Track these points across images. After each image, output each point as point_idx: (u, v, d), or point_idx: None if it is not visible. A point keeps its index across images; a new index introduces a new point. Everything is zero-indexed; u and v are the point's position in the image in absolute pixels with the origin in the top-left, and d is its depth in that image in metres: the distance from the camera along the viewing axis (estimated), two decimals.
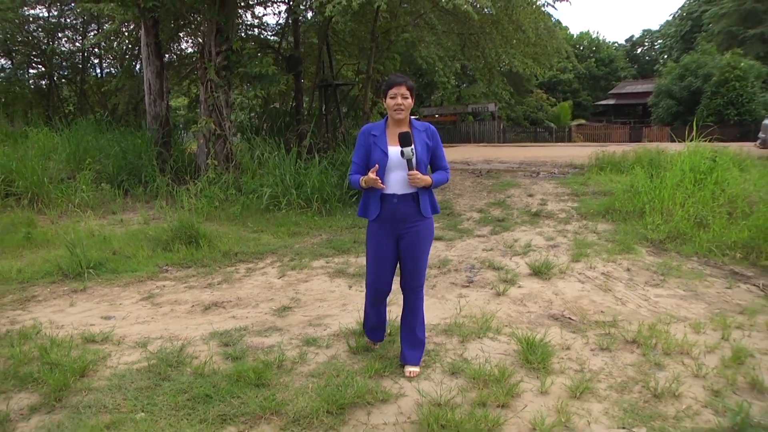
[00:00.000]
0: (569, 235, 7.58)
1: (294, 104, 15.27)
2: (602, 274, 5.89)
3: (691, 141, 9.54)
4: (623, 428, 2.97)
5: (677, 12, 54.90)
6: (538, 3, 13.66)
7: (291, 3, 14.42)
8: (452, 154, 17.18)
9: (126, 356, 4.02)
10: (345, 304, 5.18)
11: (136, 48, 17.41)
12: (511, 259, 6.56)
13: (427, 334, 3.94)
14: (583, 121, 44.91)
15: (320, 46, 14.83)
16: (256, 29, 17.30)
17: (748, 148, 13.44)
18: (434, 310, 4.83)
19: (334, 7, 9.16)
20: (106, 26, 17.72)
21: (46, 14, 19.47)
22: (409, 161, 3.37)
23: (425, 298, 3.97)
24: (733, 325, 4.36)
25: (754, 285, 5.46)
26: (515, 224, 8.42)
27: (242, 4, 14.69)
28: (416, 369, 3.66)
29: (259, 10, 18.07)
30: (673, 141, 15.14)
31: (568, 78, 48.74)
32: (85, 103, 20.25)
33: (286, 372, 3.70)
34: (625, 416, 3.09)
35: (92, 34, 19.60)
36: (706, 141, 9.60)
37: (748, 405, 3.00)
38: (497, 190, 11.46)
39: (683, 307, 4.90)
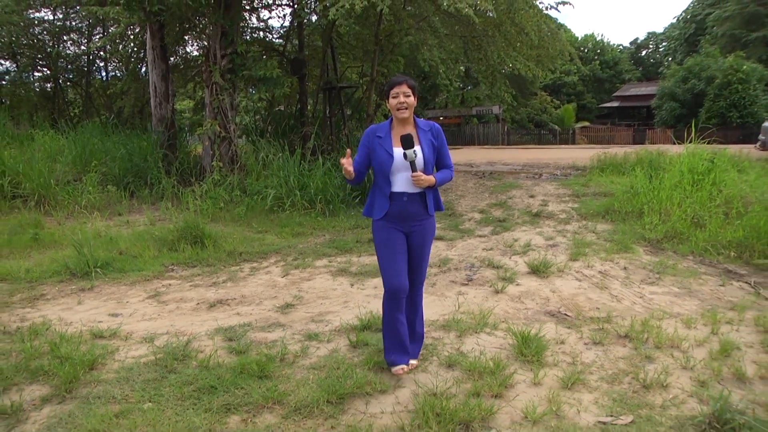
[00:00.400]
0: (568, 235, 7.69)
1: (298, 107, 15.40)
2: (599, 272, 6.00)
3: (690, 143, 9.64)
4: (611, 416, 3.09)
5: (681, 15, 54.94)
6: (540, 6, 13.76)
7: (295, 6, 14.56)
8: (456, 156, 17.27)
9: (133, 351, 4.16)
10: (347, 302, 5.30)
11: (142, 51, 17.57)
12: (510, 258, 6.68)
13: (425, 329, 4.05)
14: (587, 124, 44.99)
15: (324, 48, 14.96)
16: (260, 32, 17.47)
17: (748, 150, 13.52)
18: (433, 307, 4.95)
19: (337, 10, 9.30)
20: (112, 29, 17.86)
21: (51, 17, 19.65)
22: (412, 163, 3.40)
23: (425, 295, 4.08)
24: (722, 321, 4.49)
25: (746, 282, 5.59)
26: (516, 224, 8.54)
27: (247, 7, 14.83)
28: (414, 362, 3.76)
29: (263, 13, 18.21)
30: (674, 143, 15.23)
31: (572, 80, 48.81)
32: (90, 106, 20.42)
33: (288, 365, 3.83)
34: (614, 405, 3.21)
35: (98, 37, 19.75)
36: (705, 143, 9.70)
37: (728, 393, 3.12)
38: (499, 191, 11.57)
39: (677, 303, 5.02)
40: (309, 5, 14.81)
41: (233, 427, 3.08)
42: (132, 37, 17.86)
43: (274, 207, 9.54)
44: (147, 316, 5.02)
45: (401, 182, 3.52)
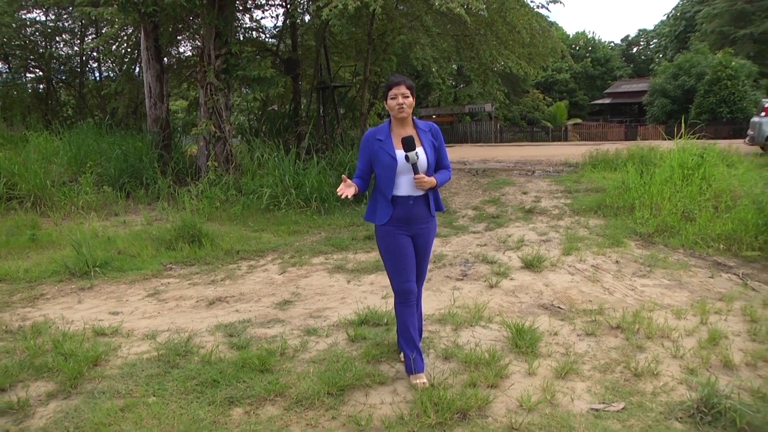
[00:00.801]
0: (561, 230, 7.80)
1: (292, 106, 15.48)
2: (592, 266, 6.11)
3: (680, 138, 9.77)
4: (603, 403, 3.20)
5: (671, 12, 55.27)
6: (531, 4, 13.87)
7: (288, 6, 14.63)
8: (449, 154, 17.20)
9: (135, 347, 4.23)
10: (344, 298, 5.39)
11: (135, 51, 17.58)
12: (504, 253, 6.78)
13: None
14: (579, 121, 45.28)
15: (318, 48, 15.04)
16: (253, 32, 17.51)
17: (737, 144, 13.69)
18: (429, 302, 5.04)
19: (330, 10, 9.37)
20: (105, 30, 17.85)
21: (43, 18, 19.59)
22: (414, 165, 3.36)
23: None
24: (711, 311, 4.61)
25: (735, 274, 5.73)
26: (509, 221, 8.64)
27: (240, 7, 14.88)
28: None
29: (256, 13, 18.26)
30: (665, 139, 15.38)
31: (564, 78, 49.10)
32: (84, 107, 20.40)
33: (288, 359, 3.92)
34: (606, 393, 3.32)
35: (91, 38, 19.74)
36: (695, 138, 9.83)
37: (715, 379, 3.22)
38: (492, 188, 11.67)
39: (667, 295, 5.14)
40: (302, 5, 14.89)
41: (237, 419, 3.17)
42: (125, 37, 17.86)
43: (270, 206, 9.62)
44: (147, 313, 5.09)
45: (405, 185, 3.47)
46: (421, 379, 3.49)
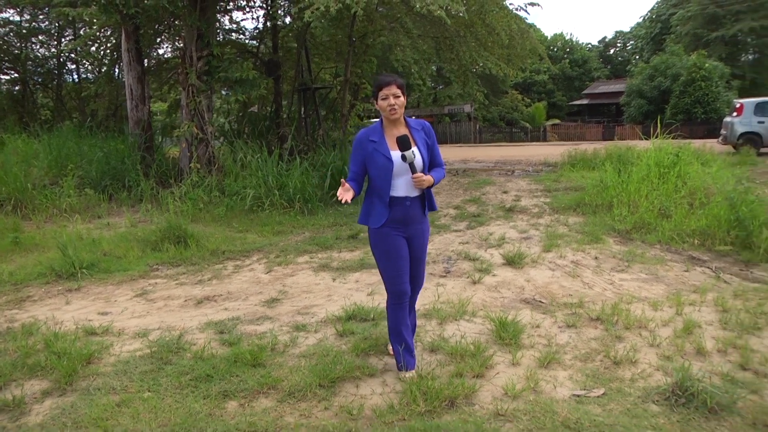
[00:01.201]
0: (541, 228, 7.98)
1: (273, 108, 15.52)
2: (572, 262, 6.28)
3: (656, 138, 10.01)
4: (584, 389, 3.35)
5: (647, 14, 56.20)
6: (510, 7, 14.09)
7: (270, 9, 14.68)
8: None
9: (128, 345, 4.30)
10: (330, 295, 5.49)
11: (115, 53, 17.48)
12: (486, 251, 6.93)
13: None
14: (557, 121, 45.78)
15: (299, 50, 15.10)
16: (233, 34, 17.52)
17: (711, 144, 14.04)
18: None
19: (312, 12, 9.46)
20: (83, 31, 17.73)
21: (17, 18, 19.33)
22: (411, 164, 3.32)
23: None
24: (686, 303, 4.80)
25: (708, 268, 5.98)
26: (490, 219, 8.81)
27: (220, 9, 14.90)
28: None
29: (236, 15, 18.26)
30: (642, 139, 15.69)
31: (542, 79, 49.60)
32: (62, 109, 20.22)
33: (279, 354, 4.02)
34: (587, 380, 3.48)
35: (68, 38, 19.57)
36: (671, 138, 10.08)
37: (689, 365, 3.40)
38: (473, 188, 11.85)
39: (644, 288, 5.33)
40: (283, 7, 14.95)
41: (232, 412, 3.26)
42: (103, 39, 17.75)
43: (254, 207, 9.67)
44: (136, 313, 5.15)
45: (402, 186, 3.42)
46: (412, 376, 3.53)
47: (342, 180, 3.37)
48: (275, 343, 4.17)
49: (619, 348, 3.89)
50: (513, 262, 6.24)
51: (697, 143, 12.73)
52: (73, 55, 20.03)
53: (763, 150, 16.71)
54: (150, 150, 12.44)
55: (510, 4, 14.10)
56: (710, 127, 30.23)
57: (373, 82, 3.56)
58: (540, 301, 5.03)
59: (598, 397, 3.27)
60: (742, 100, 18.51)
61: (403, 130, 3.47)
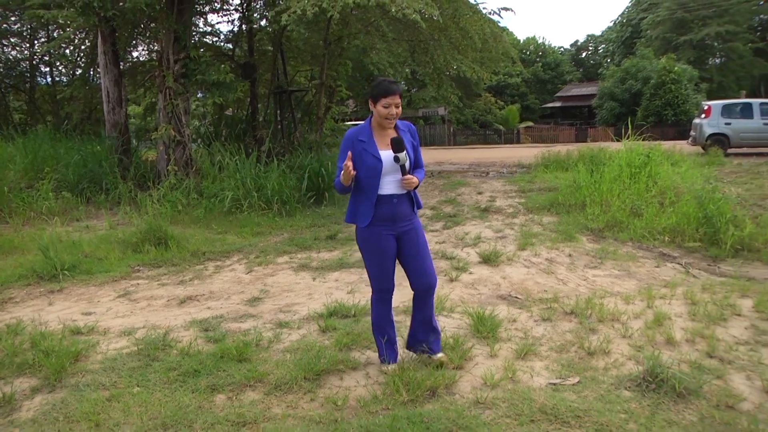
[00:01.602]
0: (516, 228, 8.17)
1: (250, 111, 15.55)
2: (546, 259, 6.46)
3: (628, 140, 10.29)
4: (560, 378, 3.50)
5: (618, 18, 57.12)
6: (483, 11, 14.32)
7: (246, 12, 14.72)
8: None
9: (114, 343, 4.35)
10: (311, 294, 5.59)
11: (90, 56, 17.34)
12: (462, 249, 7.08)
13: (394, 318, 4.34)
14: (530, 124, 46.30)
15: (275, 53, 15.15)
16: (208, 37, 17.49)
17: (681, 145, 14.42)
18: (393, 295, 5.27)
19: (289, 16, 9.56)
20: (57, 34, 17.56)
21: None
22: (402, 166, 3.37)
23: None
24: (657, 296, 5.01)
25: (678, 263, 6.23)
26: (466, 219, 8.98)
27: (196, 11, 14.88)
28: (442, 355, 3.77)
29: (212, 17, 18.25)
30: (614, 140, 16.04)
31: (515, 82, 50.09)
32: (36, 112, 19.97)
33: (264, 349, 4.11)
34: (563, 370, 3.63)
35: (42, 41, 19.36)
36: (642, 139, 10.37)
37: (659, 353, 3.60)
38: (448, 189, 12.04)
39: (617, 284, 5.53)
40: (259, 11, 14.99)
41: (220, 404, 3.35)
42: (77, 41, 17.60)
43: (233, 209, 9.73)
44: (120, 313, 5.19)
45: (390, 185, 3.45)
46: (393, 368, 3.62)
47: (349, 153, 3.36)
48: (260, 339, 4.26)
49: (593, 339, 4.05)
50: (489, 260, 6.40)
51: (667, 144, 13.09)
52: (46, 58, 19.81)
53: (730, 150, 17.23)
54: (127, 153, 12.42)
55: (483, 8, 14.40)
56: (680, 129, 30.89)
57: (373, 82, 3.57)
58: (516, 297, 5.19)
59: (573, 385, 3.43)
60: (710, 103, 19.00)
61: (391, 132, 3.51)
